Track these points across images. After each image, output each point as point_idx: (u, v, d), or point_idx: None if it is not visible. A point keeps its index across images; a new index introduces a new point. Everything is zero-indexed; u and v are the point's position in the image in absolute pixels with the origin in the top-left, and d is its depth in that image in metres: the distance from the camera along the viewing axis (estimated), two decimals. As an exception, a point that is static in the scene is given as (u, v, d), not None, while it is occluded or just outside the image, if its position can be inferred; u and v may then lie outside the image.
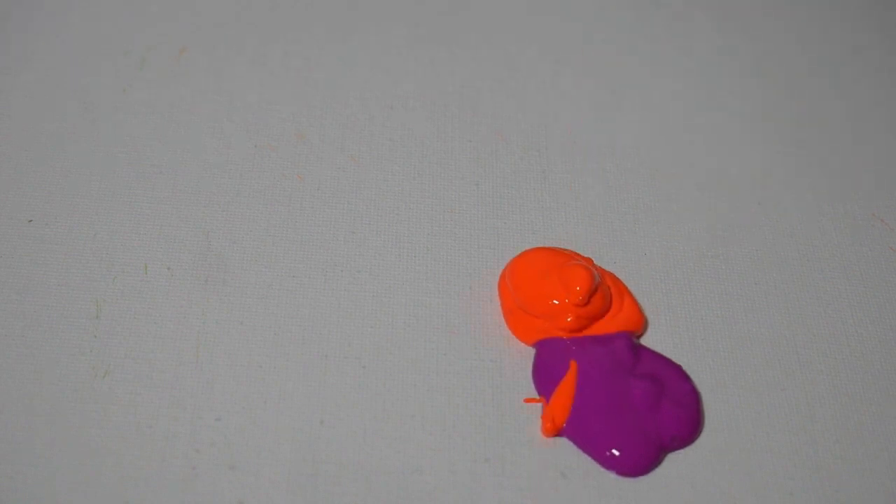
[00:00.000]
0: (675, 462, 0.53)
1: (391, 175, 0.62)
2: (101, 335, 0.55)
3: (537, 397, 0.54)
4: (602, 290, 0.56)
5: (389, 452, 0.52)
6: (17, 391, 0.53)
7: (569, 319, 0.55)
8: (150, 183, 0.61)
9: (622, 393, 0.54)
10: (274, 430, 0.52)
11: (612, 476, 0.52)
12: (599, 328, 0.56)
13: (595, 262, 0.59)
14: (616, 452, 0.52)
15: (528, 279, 0.56)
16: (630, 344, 0.55)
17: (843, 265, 0.60)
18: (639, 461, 0.52)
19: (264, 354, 0.55)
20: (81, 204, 0.60)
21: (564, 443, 0.53)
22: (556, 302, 0.55)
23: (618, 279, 0.58)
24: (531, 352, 0.56)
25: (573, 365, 0.54)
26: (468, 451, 0.52)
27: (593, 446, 0.52)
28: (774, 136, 0.66)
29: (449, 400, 0.54)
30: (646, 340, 0.56)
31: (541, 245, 0.60)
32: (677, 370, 0.55)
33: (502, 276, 0.58)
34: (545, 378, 0.54)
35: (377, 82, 0.67)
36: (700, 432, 0.53)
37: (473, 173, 0.63)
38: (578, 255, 0.59)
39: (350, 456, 0.52)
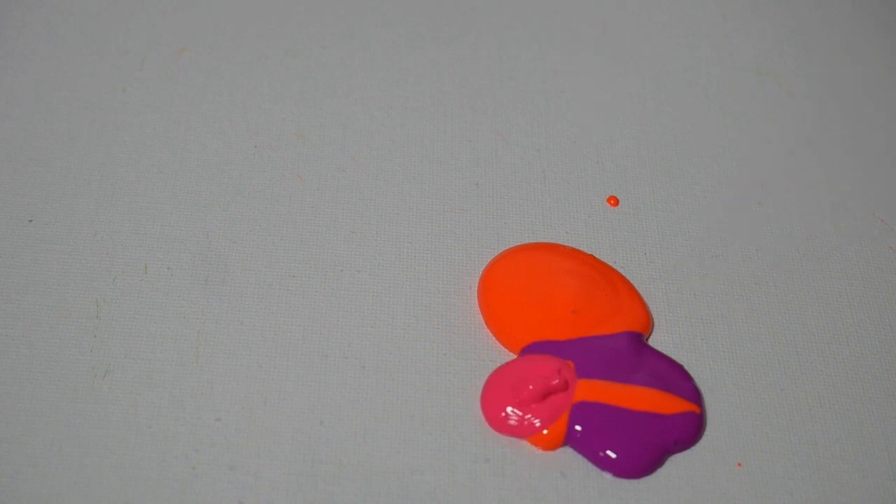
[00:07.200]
0: (675, 462, 0.52)
1: (391, 175, 0.62)
2: (101, 335, 0.55)
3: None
4: (602, 293, 0.56)
5: (389, 452, 0.52)
6: (17, 391, 0.53)
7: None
8: (150, 183, 0.61)
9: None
10: (274, 431, 0.52)
11: (611, 476, 0.52)
12: (602, 328, 0.56)
13: (597, 258, 0.59)
14: (612, 454, 0.52)
15: (510, 293, 0.56)
16: (632, 344, 0.55)
17: (843, 265, 0.60)
18: (636, 463, 0.52)
19: (264, 354, 0.55)
20: (81, 204, 0.60)
21: (564, 443, 0.53)
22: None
23: (624, 277, 0.58)
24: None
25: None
26: (468, 451, 0.52)
27: (590, 448, 0.52)
28: (775, 136, 0.66)
29: (449, 400, 0.54)
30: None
31: (520, 242, 0.59)
32: (680, 370, 0.55)
33: (479, 290, 0.57)
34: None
35: (377, 82, 0.67)
36: (702, 433, 0.53)
37: (473, 173, 0.63)
38: (579, 251, 0.59)
39: (350, 456, 0.52)
